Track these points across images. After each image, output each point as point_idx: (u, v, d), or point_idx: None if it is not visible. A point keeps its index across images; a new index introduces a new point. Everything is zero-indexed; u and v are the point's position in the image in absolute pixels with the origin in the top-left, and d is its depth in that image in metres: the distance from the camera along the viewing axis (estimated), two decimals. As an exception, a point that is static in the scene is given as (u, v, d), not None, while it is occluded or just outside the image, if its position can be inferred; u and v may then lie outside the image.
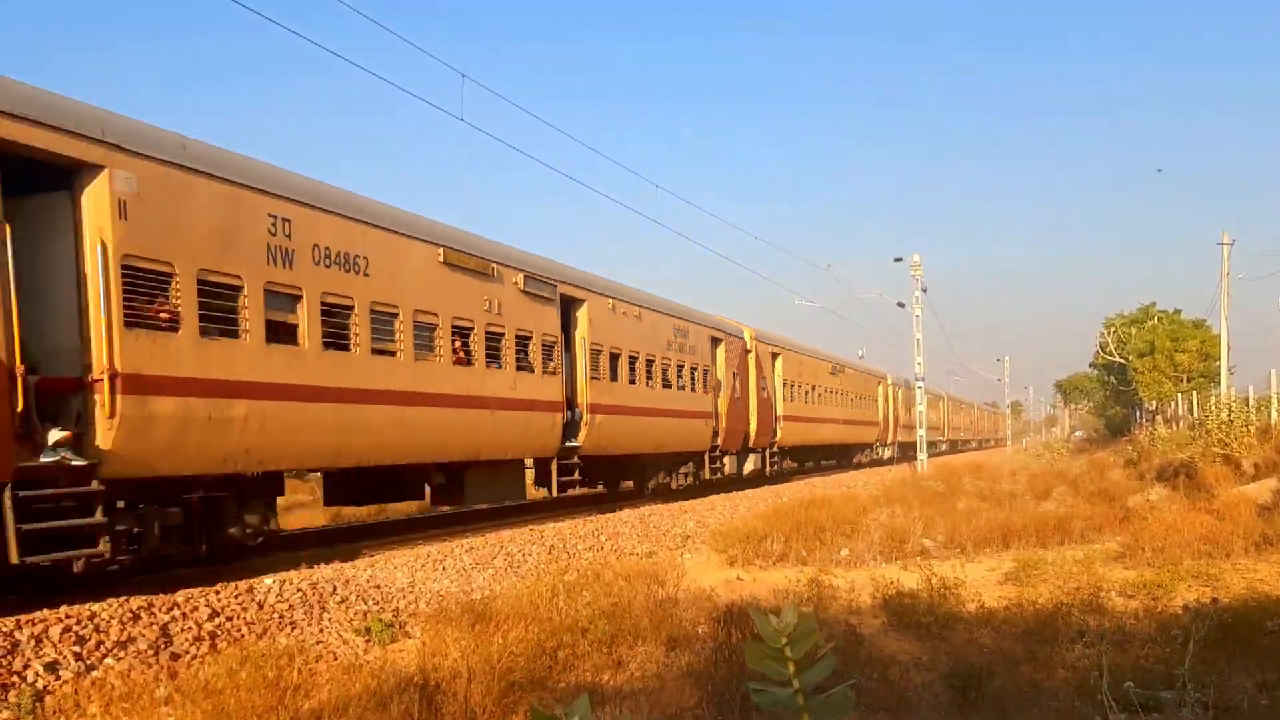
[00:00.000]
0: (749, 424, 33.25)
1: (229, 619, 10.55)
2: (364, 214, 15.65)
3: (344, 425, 14.78)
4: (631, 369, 24.66)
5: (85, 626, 9.50)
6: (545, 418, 20.60)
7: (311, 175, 14.53)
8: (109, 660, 9.08)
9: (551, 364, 21.02)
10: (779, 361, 36.73)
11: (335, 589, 12.04)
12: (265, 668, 7.77)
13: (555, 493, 22.46)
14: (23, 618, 9.37)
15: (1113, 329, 65.88)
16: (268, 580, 11.96)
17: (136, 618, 9.95)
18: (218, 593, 11.18)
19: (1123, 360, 62.18)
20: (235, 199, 12.96)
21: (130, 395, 11.28)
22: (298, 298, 13.91)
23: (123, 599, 10.35)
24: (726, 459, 31.60)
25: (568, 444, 21.70)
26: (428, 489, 18.94)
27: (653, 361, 25.88)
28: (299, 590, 11.71)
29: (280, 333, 13.70)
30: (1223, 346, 42.94)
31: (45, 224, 11.16)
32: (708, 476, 30.36)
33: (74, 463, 10.82)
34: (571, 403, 22.11)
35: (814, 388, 40.48)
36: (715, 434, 30.40)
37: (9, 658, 8.61)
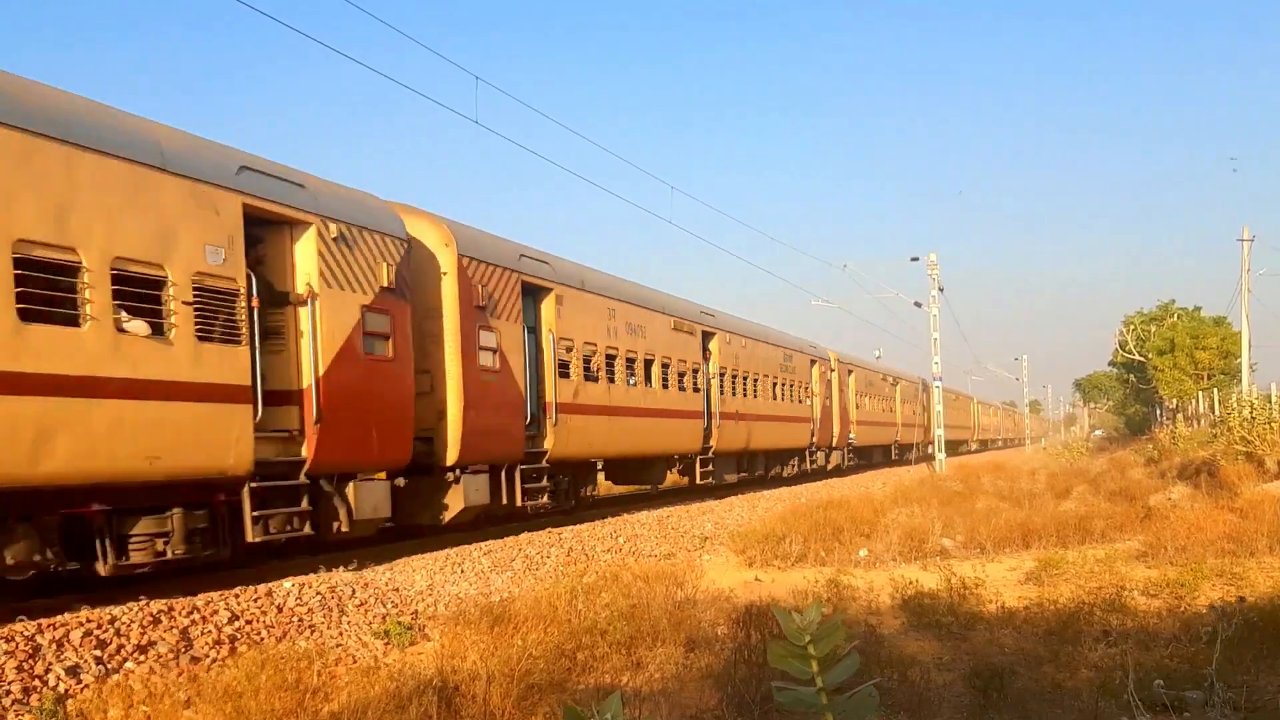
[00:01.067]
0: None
1: (248, 622, 10.57)
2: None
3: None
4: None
5: (106, 630, 9.53)
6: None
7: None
8: (130, 664, 9.11)
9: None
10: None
11: (354, 592, 12.05)
12: (285, 671, 7.78)
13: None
14: (44, 622, 9.41)
15: (1132, 327, 65.55)
16: (286, 583, 11.98)
17: (157, 621, 9.98)
18: (237, 596, 11.20)
19: (1142, 358, 61.84)
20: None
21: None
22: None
23: (143, 602, 10.38)
24: None
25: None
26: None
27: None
28: (318, 593, 11.72)
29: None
30: (1244, 343, 42.56)
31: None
32: None
33: None
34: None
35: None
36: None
37: (31, 661, 8.64)
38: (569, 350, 20.32)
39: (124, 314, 10.90)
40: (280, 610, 11.08)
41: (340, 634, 10.71)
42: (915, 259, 45.48)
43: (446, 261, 16.55)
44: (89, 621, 9.62)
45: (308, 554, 14.61)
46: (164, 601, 10.65)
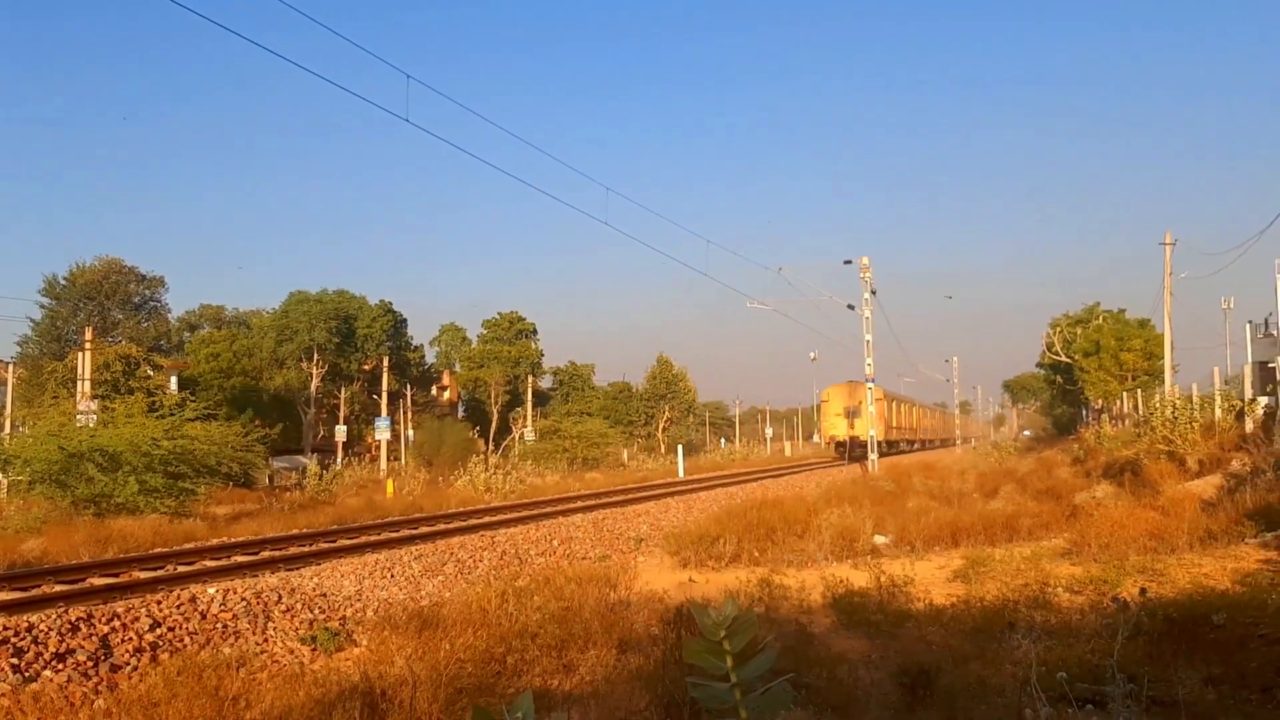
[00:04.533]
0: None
1: (171, 629, 10.34)
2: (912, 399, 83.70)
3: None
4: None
5: (23, 638, 9.27)
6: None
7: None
8: (48, 672, 8.86)
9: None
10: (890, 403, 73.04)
11: (280, 598, 11.85)
12: (206, 678, 7.60)
13: None
14: (-45, 631, 9.12)
15: (1059, 329, 66.76)
16: (211, 589, 11.74)
17: (75, 629, 9.73)
18: (159, 603, 10.96)
19: (1069, 360, 63.00)
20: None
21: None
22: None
23: (61, 609, 10.13)
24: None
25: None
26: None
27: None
28: (243, 599, 11.50)
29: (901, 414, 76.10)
30: (1166, 345, 43.46)
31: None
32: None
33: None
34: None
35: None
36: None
37: (-60, 672, 8.38)
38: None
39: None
40: (204, 617, 10.86)
41: (265, 640, 10.52)
42: (848, 262, 45.90)
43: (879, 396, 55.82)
44: (5, 629, 9.35)
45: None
46: (84, 607, 10.39)
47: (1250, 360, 39.66)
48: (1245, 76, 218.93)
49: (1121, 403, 49.40)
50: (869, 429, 47.60)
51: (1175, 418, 27.39)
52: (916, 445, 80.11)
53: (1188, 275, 44.41)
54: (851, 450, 60.01)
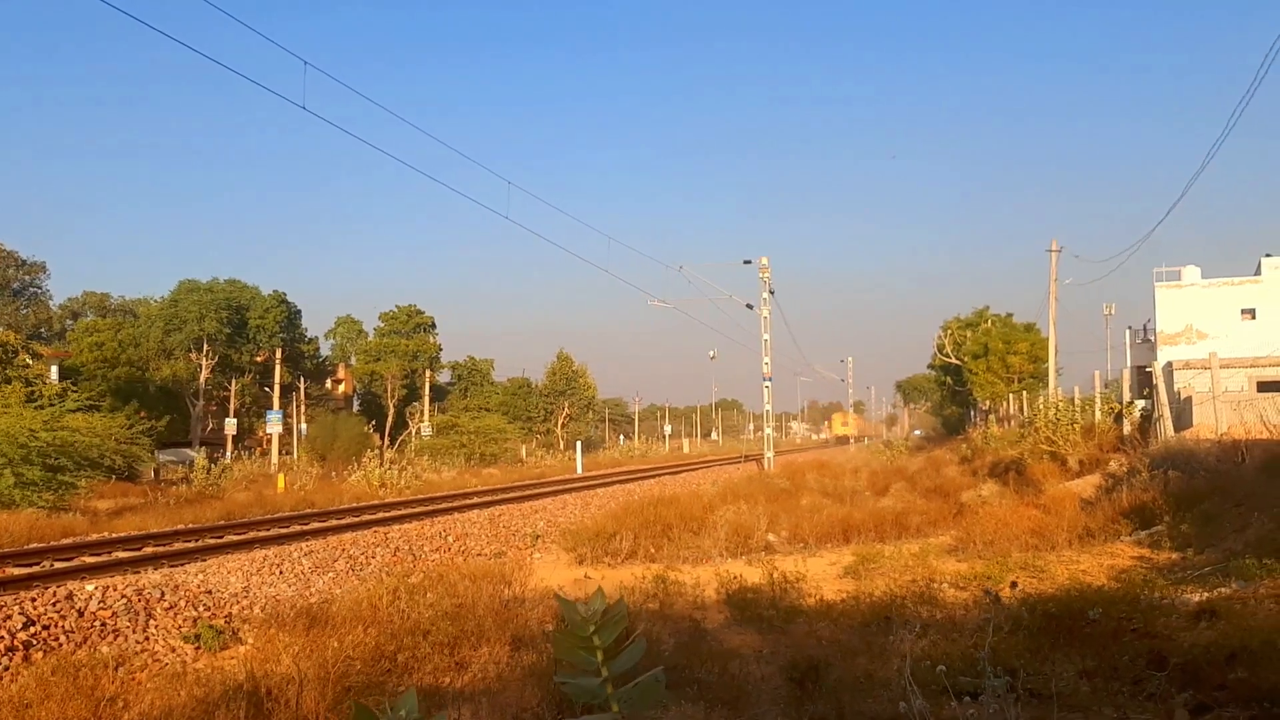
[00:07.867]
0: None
1: (46, 628, 9.99)
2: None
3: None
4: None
5: (-118, 639, 8.86)
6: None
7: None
8: (-91, 675, 8.49)
9: None
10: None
11: (163, 594, 11.53)
12: (82, 678, 7.35)
13: None
14: None
15: (949, 331, 68.16)
16: (89, 586, 11.37)
17: (-59, 629, 9.33)
18: (34, 600, 10.58)
19: (959, 361, 64.40)
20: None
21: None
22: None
23: (-74, 609, 9.70)
24: None
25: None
26: None
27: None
28: (123, 597, 11.16)
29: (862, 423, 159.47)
30: (1051, 348, 44.71)
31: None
32: None
33: None
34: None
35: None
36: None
37: None
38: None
39: None
40: (82, 615, 10.52)
41: (146, 639, 10.23)
42: (748, 262, 46.37)
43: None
44: None
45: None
46: (-50, 607, 9.97)
47: (1129, 364, 41.10)
48: (1131, 97, 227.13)
49: (1008, 404, 50.71)
50: (853, 430, 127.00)
51: (1058, 419, 28.27)
52: (861, 440, 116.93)
53: (1072, 282, 45.87)
54: (843, 441, 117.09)
